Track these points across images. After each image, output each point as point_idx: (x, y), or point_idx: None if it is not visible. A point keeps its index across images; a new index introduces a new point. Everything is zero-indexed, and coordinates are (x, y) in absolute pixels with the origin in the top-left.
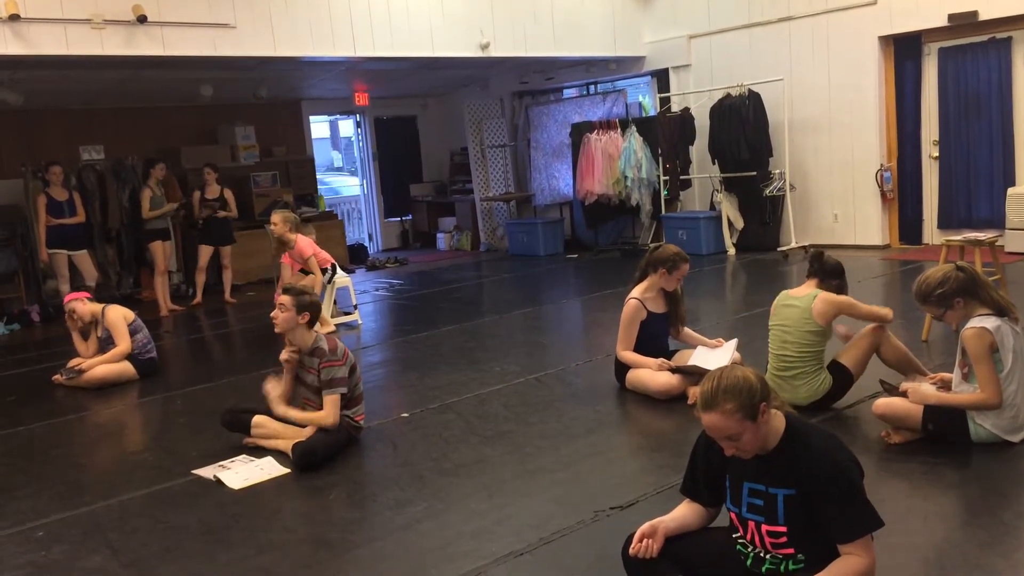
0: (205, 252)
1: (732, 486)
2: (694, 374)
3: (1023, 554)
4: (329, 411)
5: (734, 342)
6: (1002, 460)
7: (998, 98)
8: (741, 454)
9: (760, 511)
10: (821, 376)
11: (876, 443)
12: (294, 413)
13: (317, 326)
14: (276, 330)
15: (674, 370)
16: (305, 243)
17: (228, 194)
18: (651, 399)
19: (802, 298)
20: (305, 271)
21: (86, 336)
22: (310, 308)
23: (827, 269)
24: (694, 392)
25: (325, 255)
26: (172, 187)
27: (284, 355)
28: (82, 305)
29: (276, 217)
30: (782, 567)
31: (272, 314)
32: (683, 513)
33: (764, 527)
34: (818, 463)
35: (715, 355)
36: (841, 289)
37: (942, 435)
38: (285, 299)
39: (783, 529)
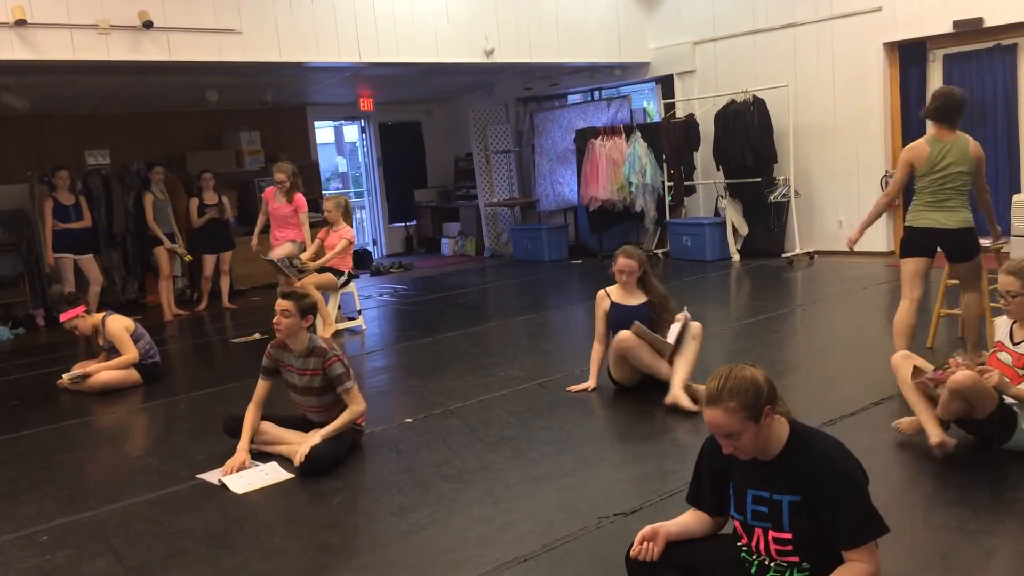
0: (209, 262)
1: (736, 493)
2: (655, 344)
3: None
4: (357, 399)
5: (684, 312)
6: (1018, 467)
7: (1003, 105)
8: (739, 454)
9: (765, 518)
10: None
11: (880, 449)
12: (329, 429)
13: (320, 326)
14: (279, 336)
15: (637, 334)
16: (349, 231)
17: (226, 199)
18: (657, 406)
19: (958, 141)
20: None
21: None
22: (312, 311)
23: (947, 113)
24: (687, 402)
25: (349, 261)
26: (176, 191)
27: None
28: (82, 321)
29: (328, 204)
30: (787, 575)
31: (275, 320)
32: (687, 519)
33: (771, 533)
34: (823, 469)
35: (672, 328)
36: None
37: (988, 436)
38: (288, 304)
39: (789, 536)
